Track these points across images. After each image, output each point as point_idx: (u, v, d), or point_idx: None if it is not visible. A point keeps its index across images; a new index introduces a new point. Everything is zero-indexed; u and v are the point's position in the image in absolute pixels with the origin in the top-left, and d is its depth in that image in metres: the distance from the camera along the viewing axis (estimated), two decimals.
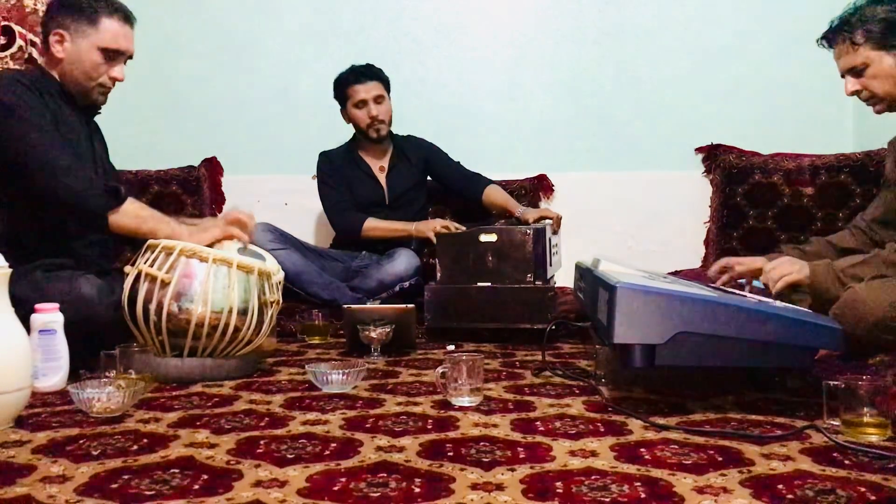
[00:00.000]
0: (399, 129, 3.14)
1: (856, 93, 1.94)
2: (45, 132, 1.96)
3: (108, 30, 2.08)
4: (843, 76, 1.97)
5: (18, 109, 1.95)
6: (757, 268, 1.95)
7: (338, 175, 3.01)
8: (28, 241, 2.00)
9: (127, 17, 2.12)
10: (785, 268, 1.85)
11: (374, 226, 2.92)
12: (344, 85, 2.98)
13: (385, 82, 3.00)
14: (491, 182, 3.06)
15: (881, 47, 1.86)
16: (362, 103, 2.95)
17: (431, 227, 2.74)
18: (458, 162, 3.12)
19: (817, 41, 1.98)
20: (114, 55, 2.10)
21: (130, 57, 2.15)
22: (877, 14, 1.85)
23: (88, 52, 2.07)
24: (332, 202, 2.99)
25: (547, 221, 2.80)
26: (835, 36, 1.93)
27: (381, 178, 3.07)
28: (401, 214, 2.97)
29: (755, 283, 2.08)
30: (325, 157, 3.06)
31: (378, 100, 2.96)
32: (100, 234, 2.08)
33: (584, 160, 3.38)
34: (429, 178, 3.15)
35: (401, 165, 3.09)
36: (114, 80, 2.12)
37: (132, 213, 2.00)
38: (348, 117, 3.02)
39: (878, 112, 1.96)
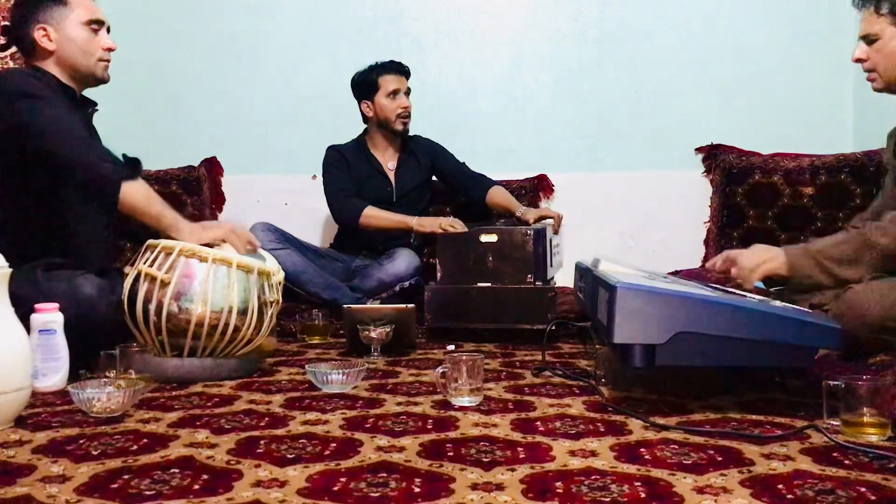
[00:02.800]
0: None
1: (860, 60, 1.91)
2: (62, 111, 1.99)
3: (80, 4, 2.11)
4: (859, 40, 1.95)
5: (35, 92, 1.97)
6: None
7: (345, 166, 3.01)
8: (28, 241, 2.00)
9: None
10: (760, 255, 1.80)
11: (374, 214, 2.90)
12: (376, 75, 2.97)
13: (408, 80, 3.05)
14: (495, 183, 3.07)
15: None
16: (395, 93, 2.96)
17: (438, 223, 2.73)
18: (464, 163, 3.13)
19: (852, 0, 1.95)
20: (97, 25, 2.12)
21: (108, 28, 2.18)
22: None
23: (77, 31, 2.09)
24: (335, 188, 2.98)
25: (548, 221, 2.80)
26: (864, 0, 1.90)
27: (391, 175, 3.07)
28: (405, 213, 2.97)
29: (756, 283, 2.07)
30: (333, 149, 3.05)
31: (407, 93, 3.00)
32: (110, 207, 2.05)
33: (584, 160, 3.38)
34: (433, 177, 3.16)
35: (410, 164, 3.09)
36: (108, 49, 2.14)
37: (144, 191, 2.00)
38: (373, 109, 3.00)
39: (875, 90, 1.94)
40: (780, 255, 1.78)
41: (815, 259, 1.75)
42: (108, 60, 2.16)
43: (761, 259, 1.79)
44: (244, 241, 2.04)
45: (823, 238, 1.85)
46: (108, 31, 2.17)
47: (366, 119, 3.06)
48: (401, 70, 3.00)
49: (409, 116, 3.01)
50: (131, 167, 2.00)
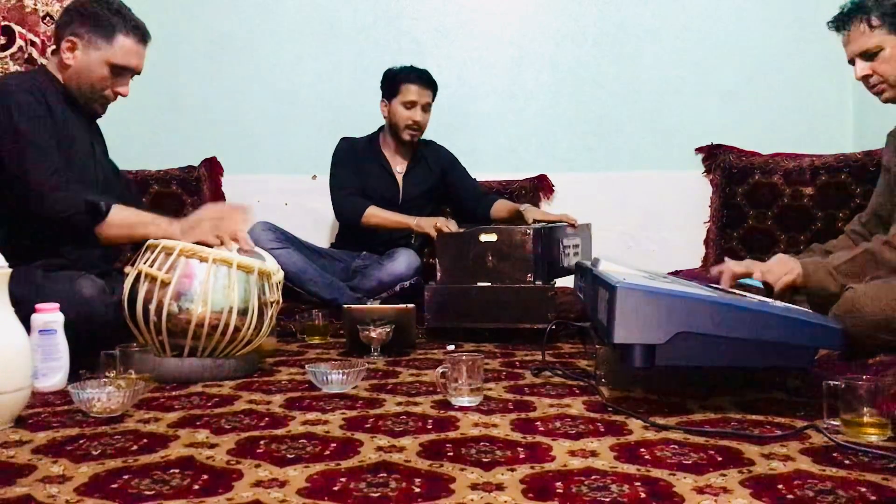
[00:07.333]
0: None
1: (865, 78, 1.93)
2: (40, 147, 1.94)
3: (122, 47, 2.07)
4: (850, 62, 1.95)
5: (19, 128, 1.93)
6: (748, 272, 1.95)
7: (354, 161, 2.99)
8: (28, 242, 2.00)
9: (143, 37, 2.11)
10: (780, 269, 1.86)
11: (375, 213, 2.89)
12: (400, 80, 2.95)
13: (435, 95, 3.01)
14: (499, 198, 3.07)
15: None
16: (411, 104, 2.94)
17: (433, 223, 2.73)
18: (475, 179, 3.13)
19: (828, 24, 1.97)
20: (122, 71, 2.09)
21: (138, 73, 2.15)
22: None
23: (98, 65, 2.06)
24: (340, 184, 2.96)
25: (555, 224, 2.74)
26: (849, 18, 1.91)
27: (399, 177, 3.06)
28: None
29: (753, 281, 2.08)
30: (346, 141, 3.04)
31: (426, 108, 2.97)
32: (96, 245, 2.06)
33: (584, 160, 3.38)
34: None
35: (419, 168, 3.08)
36: (117, 94, 2.12)
37: (119, 223, 1.97)
38: (388, 111, 2.99)
39: (885, 100, 1.95)
40: (797, 267, 1.86)
41: (829, 271, 1.82)
42: (111, 101, 2.14)
43: (782, 272, 1.85)
44: (235, 216, 2.02)
45: (837, 253, 1.91)
46: (139, 72, 2.14)
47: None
48: (427, 83, 2.96)
49: (419, 130, 2.98)
50: (95, 209, 1.94)
